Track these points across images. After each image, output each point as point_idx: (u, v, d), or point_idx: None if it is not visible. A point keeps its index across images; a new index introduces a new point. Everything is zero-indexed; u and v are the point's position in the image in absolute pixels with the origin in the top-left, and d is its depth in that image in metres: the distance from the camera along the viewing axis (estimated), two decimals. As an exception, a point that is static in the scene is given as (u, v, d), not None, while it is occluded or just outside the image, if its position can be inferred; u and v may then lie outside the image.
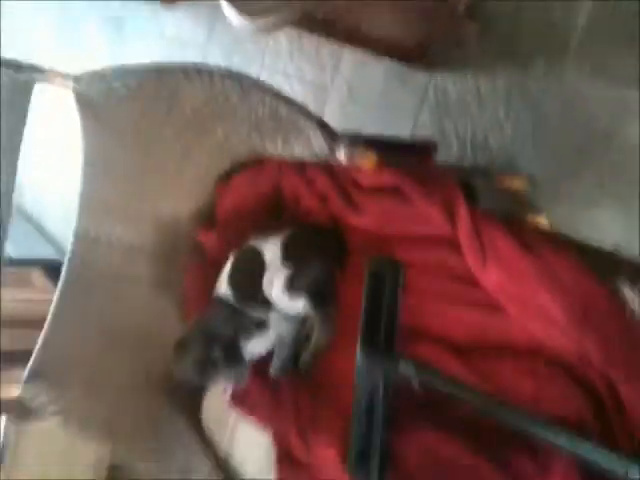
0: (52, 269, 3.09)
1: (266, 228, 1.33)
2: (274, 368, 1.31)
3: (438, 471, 1.01)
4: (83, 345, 1.46)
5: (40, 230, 3.42)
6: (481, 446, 0.97)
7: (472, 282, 0.99)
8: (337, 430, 1.12)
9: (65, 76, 1.31)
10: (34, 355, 1.40)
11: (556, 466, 0.91)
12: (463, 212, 0.96)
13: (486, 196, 1.36)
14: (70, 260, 1.45)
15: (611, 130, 1.41)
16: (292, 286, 1.25)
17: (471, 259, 0.96)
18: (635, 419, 0.88)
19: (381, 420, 1.03)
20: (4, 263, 1.55)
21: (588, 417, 0.91)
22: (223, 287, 1.35)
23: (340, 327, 1.21)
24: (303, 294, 1.25)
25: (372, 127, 1.82)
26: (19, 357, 1.78)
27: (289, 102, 1.11)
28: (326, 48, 1.96)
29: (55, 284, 3.21)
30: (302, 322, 1.31)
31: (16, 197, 1.47)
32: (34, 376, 1.39)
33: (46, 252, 3.25)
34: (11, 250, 2.25)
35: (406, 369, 0.98)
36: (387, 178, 1.07)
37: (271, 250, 1.27)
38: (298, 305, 1.26)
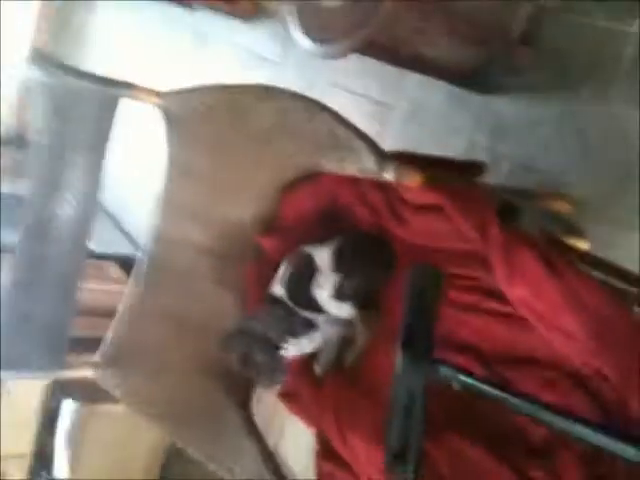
0: (128, 263, 3.30)
1: (320, 235, 1.45)
2: (319, 366, 1.42)
3: (467, 474, 1.08)
4: (149, 334, 1.61)
5: (118, 226, 3.64)
6: (504, 455, 1.04)
7: (502, 297, 1.07)
8: (376, 428, 1.18)
9: (150, 92, 1.47)
10: (106, 341, 1.56)
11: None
12: (494, 230, 1.04)
13: (530, 216, 1.43)
14: (144, 256, 1.60)
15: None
16: (340, 292, 1.36)
17: (499, 274, 1.04)
18: None
19: (419, 422, 1.05)
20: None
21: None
22: (277, 287, 1.47)
23: (382, 330, 1.31)
24: (350, 300, 1.36)
25: (429, 146, 1.91)
26: (93, 343, 1.95)
27: (346, 124, 1.22)
28: (392, 68, 2.07)
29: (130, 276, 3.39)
30: (347, 325, 1.42)
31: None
32: (104, 361, 1.55)
33: (123, 247, 3.47)
34: (92, 245, 2.43)
35: (446, 373, 1.00)
36: (431, 196, 1.16)
37: (322, 256, 1.38)
38: (344, 310, 1.37)
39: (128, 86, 1.46)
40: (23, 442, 2.68)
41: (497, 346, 1.10)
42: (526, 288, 1.01)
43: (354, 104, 2.23)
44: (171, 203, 1.59)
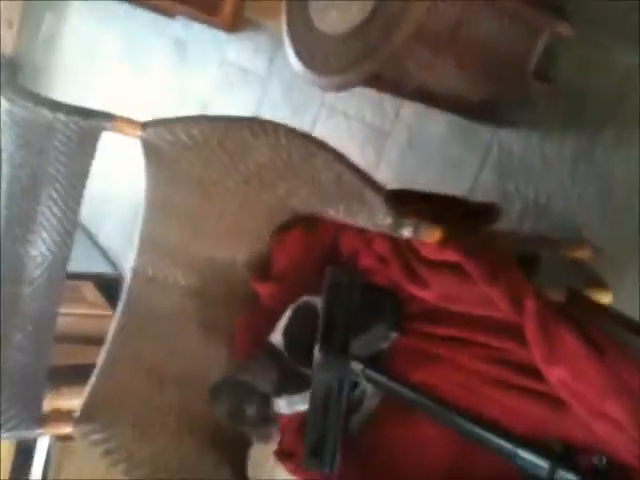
0: (103, 283, 3.15)
1: (320, 283, 1.33)
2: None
3: None
4: (133, 385, 1.48)
5: (93, 240, 3.48)
6: None
7: (535, 373, 0.97)
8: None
9: (133, 124, 1.34)
10: (86, 395, 1.42)
11: None
12: (531, 304, 0.94)
13: (549, 266, 1.33)
14: (127, 297, 1.47)
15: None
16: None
17: (537, 353, 0.94)
18: None
19: (336, 417, 1.15)
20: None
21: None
22: (278, 337, 1.36)
23: (392, 398, 1.20)
24: (357, 357, 1.25)
25: (428, 178, 1.80)
26: (67, 372, 1.81)
27: (355, 170, 1.10)
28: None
29: (106, 298, 3.26)
30: (352, 385, 1.30)
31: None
32: (86, 416, 1.41)
33: (98, 264, 3.31)
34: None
35: (356, 369, 1.12)
36: (450, 255, 1.05)
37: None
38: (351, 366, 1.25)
39: (109, 117, 1.33)
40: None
41: (530, 427, 0.99)
42: (566, 369, 0.92)
43: (346, 127, 2.12)
44: (150, 240, 1.46)
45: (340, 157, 1.15)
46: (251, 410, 1.31)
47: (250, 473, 1.49)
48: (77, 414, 1.42)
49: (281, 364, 1.33)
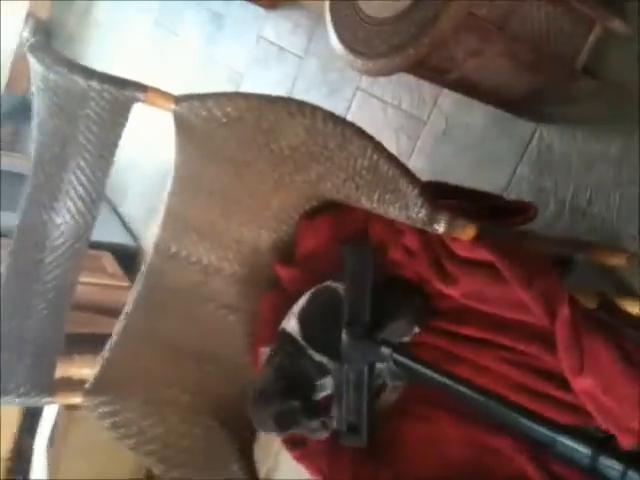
0: (122, 254, 3.14)
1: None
2: (336, 421, 1.28)
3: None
4: (147, 360, 1.47)
5: (115, 211, 3.47)
6: None
7: (562, 382, 0.94)
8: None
9: (167, 97, 1.31)
10: (99, 366, 1.41)
11: None
12: (565, 311, 0.90)
13: (581, 270, 1.29)
14: (147, 272, 1.45)
15: None
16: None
17: (567, 363, 0.90)
18: None
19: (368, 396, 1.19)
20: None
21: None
22: (292, 322, 1.33)
23: (411, 395, 1.17)
24: (386, 342, 1.21)
25: (463, 171, 1.74)
26: (83, 340, 1.81)
27: (392, 159, 1.06)
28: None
29: (125, 270, 3.25)
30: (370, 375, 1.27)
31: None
32: (94, 388, 1.40)
33: (118, 234, 3.30)
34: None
35: (385, 352, 1.10)
36: (484, 253, 1.02)
37: None
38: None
39: (143, 89, 1.30)
40: (2, 443, 2.55)
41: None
42: (596, 380, 0.88)
43: (381, 113, 2.07)
44: (176, 216, 1.43)
45: (378, 146, 1.11)
46: (297, 405, 1.26)
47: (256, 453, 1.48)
48: (88, 385, 1.40)
49: (297, 350, 1.30)
